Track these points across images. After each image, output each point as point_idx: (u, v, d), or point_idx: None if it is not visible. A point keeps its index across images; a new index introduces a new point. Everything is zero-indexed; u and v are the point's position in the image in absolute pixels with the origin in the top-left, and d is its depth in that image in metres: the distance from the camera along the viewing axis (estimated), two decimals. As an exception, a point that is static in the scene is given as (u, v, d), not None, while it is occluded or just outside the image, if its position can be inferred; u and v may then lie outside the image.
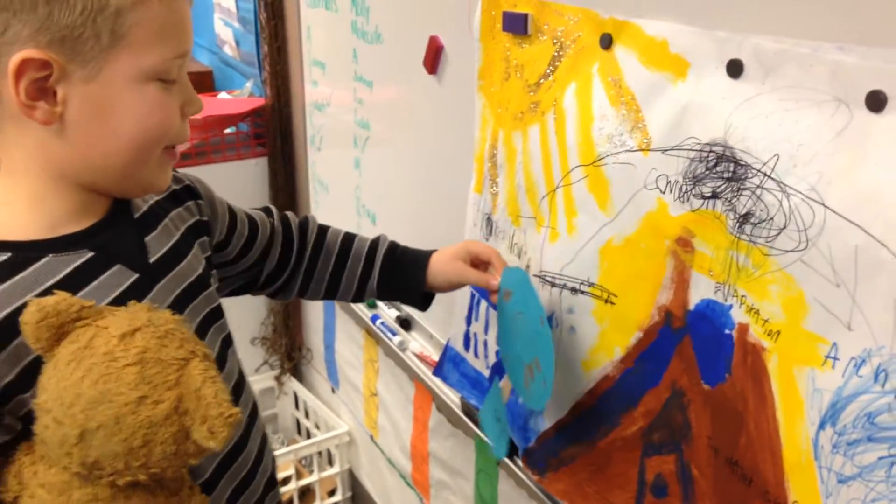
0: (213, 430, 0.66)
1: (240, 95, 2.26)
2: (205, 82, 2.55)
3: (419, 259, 1.06)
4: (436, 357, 1.46)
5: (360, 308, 1.74)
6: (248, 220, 1.02)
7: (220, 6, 2.40)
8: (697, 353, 0.83)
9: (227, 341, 0.92)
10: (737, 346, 0.77)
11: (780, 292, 0.72)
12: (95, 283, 0.76)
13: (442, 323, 1.44)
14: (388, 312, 1.64)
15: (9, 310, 0.71)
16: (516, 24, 1.03)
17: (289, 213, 1.09)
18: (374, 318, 1.66)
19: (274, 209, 1.09)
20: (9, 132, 0.74)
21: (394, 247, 1.09)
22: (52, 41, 0.69)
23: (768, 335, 0.74)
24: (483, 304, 1.21)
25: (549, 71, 0.99)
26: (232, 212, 1.00)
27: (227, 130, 2.16)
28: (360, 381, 1.94)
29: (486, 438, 1.28)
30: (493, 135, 1.13)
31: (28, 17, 0.68)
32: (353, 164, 1.70)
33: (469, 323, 1.26)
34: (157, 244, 0.83)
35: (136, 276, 0.79)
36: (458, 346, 1.29)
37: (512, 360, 1.02)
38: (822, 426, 0.70)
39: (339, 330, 2.02)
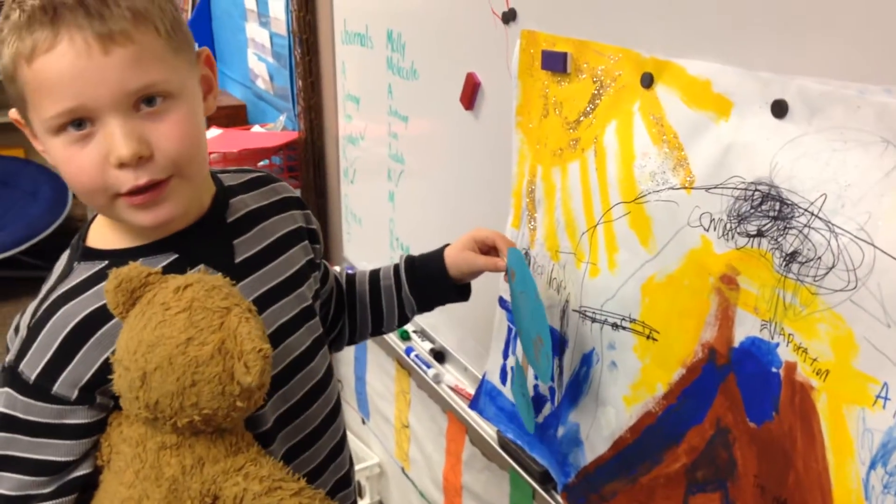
0: (248, 363, 0.73)
1: (273, 129, 2.29)
2: (238, 116, 2.60)
3: (435, 257, 1.12)
4: (471, 390, 1.46)
5: (393, 339, 1.75)
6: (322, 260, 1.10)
7: (254, 42, 2.44)
8: (742, 391, 0.83)
9: (319, 342, 0.99)
10: (784, 384, 0.77)
11: (828, 331, 0.72)
12: None
13: (476, 356, 1.45)
14: (421, 345, 1.65)
15: (99, 304, 0.81)
16: (556, 63, 1.05)
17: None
18: (409, 351, 1.67)
19: None
20: None
21: (411, 257, 1.14)
22: (13, 104, 0.81)
23: (817, 374, 0.74)
24: (520, 342, 1.21)
25: (588, 108, 1.00)
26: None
27: (261, 163, 2.19)
28: (391, 413, 1.95)
29: (519, 470, 1.28)
30: (531, 170, 1.14)
31: None
32: (388, 197, 1.72)
33: (506, 356, 1.27)
34: (247, 247, 0.92)
35: (219, 274, 0.84)
36: (495, 379, 1.30)
37: (524, 336, 1.08)
38: (872, 466, 0.70)
39: (370, 361, 2.02)
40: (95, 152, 0.77)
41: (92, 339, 0.81)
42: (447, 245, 1.12)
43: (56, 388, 0.80)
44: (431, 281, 1.11)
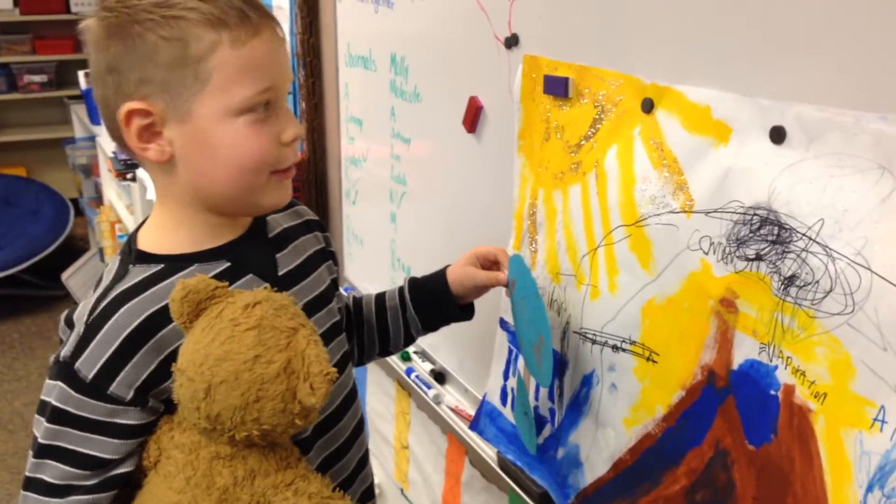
0: (314, 385, 0.76)
1: (276, 149, 2.31)
2: (241, 136, 2.61)
3: (438, 276, 1.14)
4: (471, 411, 1.47)
5: (394, 360, 1.75)
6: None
7: (257, 63, 2.46)
8: (741, 413, 0.84)
9: (346, 357, 1.05)
10: (783, 406, 0.78)
11: (826, 354, 0.73)
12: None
13: (477, 377, 1.45)
14: (422, 366, 1.65)
15: (158, 306, 0.84)
16: (557, 88, 1.06)
17: None
18: (409, 371, 1.67)
19: None
20: (151, 171, 0.88)
21: (414, 278, 1.17)
22: (152, 92, 0.82)
23: (815, 397, 0.74)
24: (521, 358, 1.22)
25: (590, 133, 1.02)
26: None
27: (263, 183, 2.20)
28: (390, 434, 1.95)
29: (519, 492, 1.28)
30: (532, 193, 1.15)
31: (131, 74, 0.81)
32: (389, 218, 1.73)
33: (506, 377, 1.27)
34: (286, 261, 0.97)
35: (266, 285, 0.89)
36: (495, 400, 1.30)
37: (525, 347, 1.08)
38: (870, 489, 0.70)
39: (370, 382, 2.03)
40: (269, 132, 0.85)
41: (150, 342, 0.84)
42: (448, 265, 1.14)
43: (113, 387, 0.83)
44: (434, 298, 1.13)
